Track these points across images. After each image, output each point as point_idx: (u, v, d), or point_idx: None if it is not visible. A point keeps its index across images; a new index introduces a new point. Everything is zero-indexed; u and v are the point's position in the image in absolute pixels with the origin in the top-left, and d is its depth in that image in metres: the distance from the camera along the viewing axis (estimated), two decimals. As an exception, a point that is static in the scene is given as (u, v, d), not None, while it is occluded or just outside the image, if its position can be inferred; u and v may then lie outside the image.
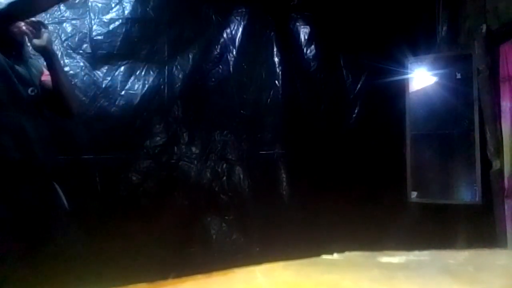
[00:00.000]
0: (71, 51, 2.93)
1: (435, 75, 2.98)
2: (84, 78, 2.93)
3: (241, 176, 3.08)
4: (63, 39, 2.92)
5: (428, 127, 3.01)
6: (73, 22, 2.95)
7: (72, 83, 2.26)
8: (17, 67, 1.94)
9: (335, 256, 1.00)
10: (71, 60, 2.92)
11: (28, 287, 2.55)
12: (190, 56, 3.08)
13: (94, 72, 2.94)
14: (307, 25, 3.24)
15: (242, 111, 3.12)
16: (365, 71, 3.25)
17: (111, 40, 2.97)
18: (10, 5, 1.77)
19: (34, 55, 2.10)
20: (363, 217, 3.00)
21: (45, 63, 2.04)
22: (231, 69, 3.13)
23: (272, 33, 3.19)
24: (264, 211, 3.08)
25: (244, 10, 3.17)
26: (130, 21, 3.01)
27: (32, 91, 1.94)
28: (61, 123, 2.90)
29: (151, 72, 3.02)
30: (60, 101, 2.05)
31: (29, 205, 1.94)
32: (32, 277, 2.68)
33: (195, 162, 3.05)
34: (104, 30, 2.97)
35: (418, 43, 3.19)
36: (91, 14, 2.95)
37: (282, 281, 0.87)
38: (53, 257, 2.79)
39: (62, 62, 2.91)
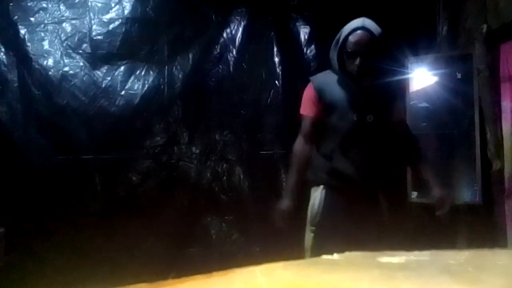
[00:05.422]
0: (71, 51, 2.93)
1: (435, 75, 2.97)
2: (84, 78, 2.93)
3: (241, 176, 3.08)
4: (63, 39, 2.93)
5: (428, 127, 3.00)
6: (73, 22, 2.95)
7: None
8: (359, 95, 2.00)
9: (335, 256, 1.00)
10: (71, 60, 2.93)
11: (29, 286, 2.56)
12: (190, 56, 3.08)
13: (94, 72, 2.94)
14: (307, 25, 3.23)
15: (242, 111, 3.12)
16: (365, 71, 3.24)
17: (111, 40, 2.97)
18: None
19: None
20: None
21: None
22: (231, 69, 3.13)
23: (272, 33, 3.19)
24: (264, 211, 3.07)
25: (244, 10, 3.17)
26: (130, 21, 3.01)
27: (369, 118, 1.99)
28: (61, 123, 2.91)
29: (151, 72, 3.02)
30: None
31: None
32: (33, 276, 2.69)
33: (195, 162, 3.05)
34: (104, 30, 2.97)
35: (418, 43, 3.18)
36: (91, 14, 2.96)
37: (282, 281, 0.86)
38: (54, 256, 2.80)
39: (62, 62, 2.92)
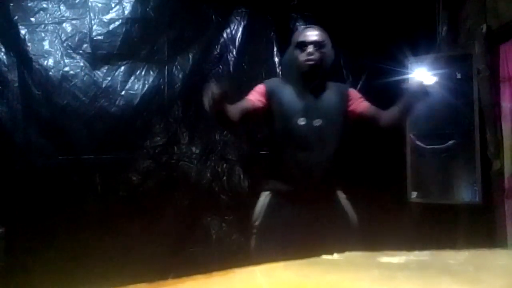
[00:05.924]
0: (71, 51, 2.93)
1: (435, 75, 2.97)
2: (84, 78, 2.93)
3: (241, 176, 3.08)
4: (63, 39, 2.93)
5: (428, 127, 3.01)
6: (73, 22, 2.95)
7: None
8: (308, 99, 2.02)
9: (335, 256, 1.00)
10: (71, 60, 2.93)
11: (29, 286, 2.56)
12: (190, 56, 3.08)
13: (94, 72, 2.94)
14: (307, 25, 3.24)
15: (242, 111, 3.12)
16: (365, 71, 3.25)
17: (111, 40, 2.97)
18: None
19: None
20: (363, 217, 3.00)
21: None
22: (231, 69, 3.13)
23: (272, 33, 3.19)
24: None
25: (244, 10, 3.17)
26: (130, 21, 3.01)
27: (317, 122, 2.00)
28: (62, 124, 2.91)
29: (151, 72, 3.02)
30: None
31: None
32: (33, 276, 2.69)
33: (195, 162, 3.05)
34: (104, 30, 2.97)
35: (418, 43, 3.18)
36: (91, 14, 2.96)
37: (282, 281, 0.87)
38: (54, 256, 2.80)
39: (62, 62, 2.92)
